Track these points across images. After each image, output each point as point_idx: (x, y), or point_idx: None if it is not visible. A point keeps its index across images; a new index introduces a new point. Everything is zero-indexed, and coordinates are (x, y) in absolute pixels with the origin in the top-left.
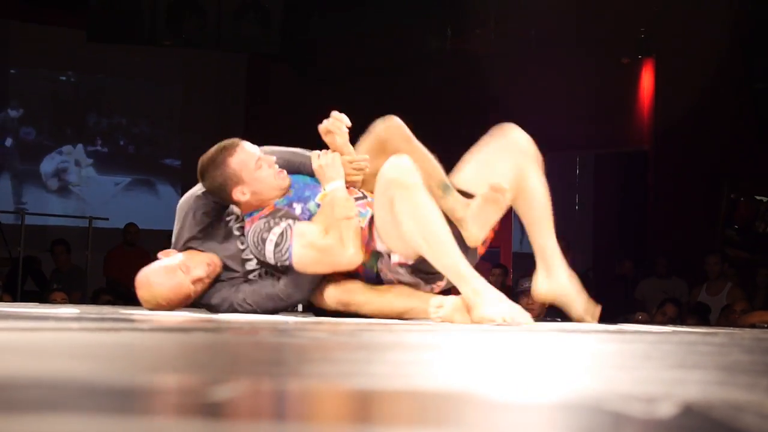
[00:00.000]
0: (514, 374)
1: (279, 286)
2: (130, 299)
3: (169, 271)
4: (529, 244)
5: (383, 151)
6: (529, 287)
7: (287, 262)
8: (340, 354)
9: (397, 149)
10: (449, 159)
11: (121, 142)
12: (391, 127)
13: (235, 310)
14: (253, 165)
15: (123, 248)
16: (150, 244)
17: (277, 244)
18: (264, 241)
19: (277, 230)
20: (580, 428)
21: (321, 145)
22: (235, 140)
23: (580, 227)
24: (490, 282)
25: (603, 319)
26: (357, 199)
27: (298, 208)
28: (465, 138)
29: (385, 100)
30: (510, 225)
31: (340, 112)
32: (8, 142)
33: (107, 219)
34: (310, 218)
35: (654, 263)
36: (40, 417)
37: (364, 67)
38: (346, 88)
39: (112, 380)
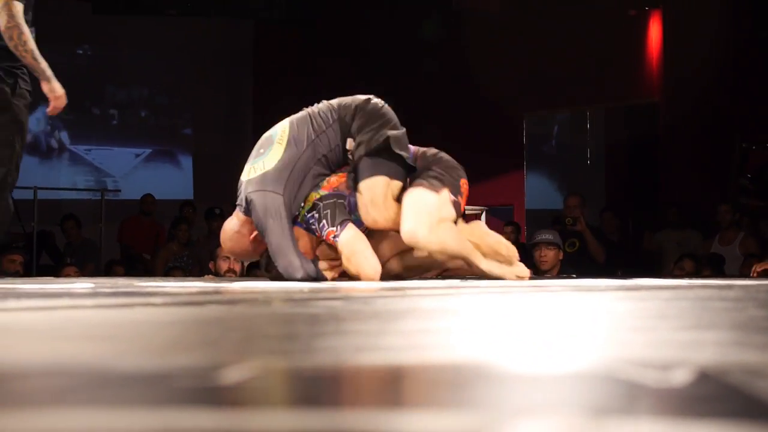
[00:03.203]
0: (528, 341)
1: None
2: (142, 266)
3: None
4: (542, 202)
5: None
6: (545, 239)
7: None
8: (352, 325)
9: None
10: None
11: (142, 113)
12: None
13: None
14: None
15: (139, 218)
16: (167, 213)
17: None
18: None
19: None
20: (594, 400)
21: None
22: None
23: (592, 181)
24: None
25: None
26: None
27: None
28: (473, 96)
29: (391, 62)
30: (522, 184)
31: (344, 75)
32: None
33: (119, 191)
34: None
35: (666, 214)
36: (49, 410)
37: (370, 29)
38: (352, 50)
39: (124, 366)
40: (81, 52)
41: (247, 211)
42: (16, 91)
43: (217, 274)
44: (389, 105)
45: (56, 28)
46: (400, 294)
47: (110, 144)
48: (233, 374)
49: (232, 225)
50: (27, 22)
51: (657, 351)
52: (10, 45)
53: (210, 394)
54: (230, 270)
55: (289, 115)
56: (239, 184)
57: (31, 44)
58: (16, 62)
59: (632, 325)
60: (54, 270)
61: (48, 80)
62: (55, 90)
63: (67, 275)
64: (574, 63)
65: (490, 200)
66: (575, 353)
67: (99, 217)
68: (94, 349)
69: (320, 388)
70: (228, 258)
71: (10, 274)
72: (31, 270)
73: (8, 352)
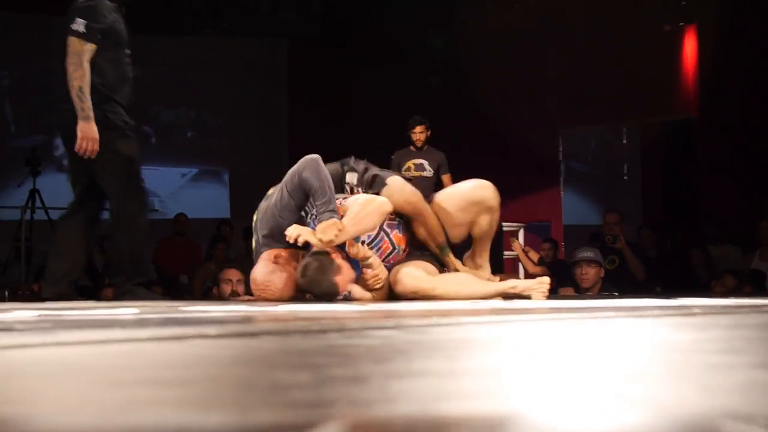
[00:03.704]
0: (598, 385)
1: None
2: (176, 288)
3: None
4: (579, 217)
5: (407, 212)
6: (586, 256)
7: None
8: (420, 363)
9: (418, 214)
10: (492, 132)
11: (189, 133)
12: (414, 199)
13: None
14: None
15: (172, 238)
16: (205, 232)
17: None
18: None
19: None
20: None
21: (360, 122)
22: (338, 285)
23: (628, 197)
24: (542, 256)
25: (663, 290)
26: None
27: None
28: (509, 112)
29: (426, 81)
30: (559, 200)
31: (379, 91)
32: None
33: (157, 210)
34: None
35: (704, 231)
36: None
37: (403, 47)
38: (386, 69)
39: (209, 424)
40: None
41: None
42: (107, 125)
43: (221, 298)
44: (425, 121)
45: None
46: (454, 321)
47: (156, 164)
48: None
49: (264, 269)
50: (114, 61)
51: (748, 398)
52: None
53: None
54: (234, 292)
55: (323, 132)
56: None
57: (78, 82)
58: (106, 99)
59: (704, 361)
60: (92, 291)
61: (82, 120)
62: (82, 130)
63: (106, 296)
64: (610, 79)
65: (527, 217)
66: (656, 402)
67: None
68: (167, 397)
69: None
70: (230, 281)
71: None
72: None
73: (80, 402)
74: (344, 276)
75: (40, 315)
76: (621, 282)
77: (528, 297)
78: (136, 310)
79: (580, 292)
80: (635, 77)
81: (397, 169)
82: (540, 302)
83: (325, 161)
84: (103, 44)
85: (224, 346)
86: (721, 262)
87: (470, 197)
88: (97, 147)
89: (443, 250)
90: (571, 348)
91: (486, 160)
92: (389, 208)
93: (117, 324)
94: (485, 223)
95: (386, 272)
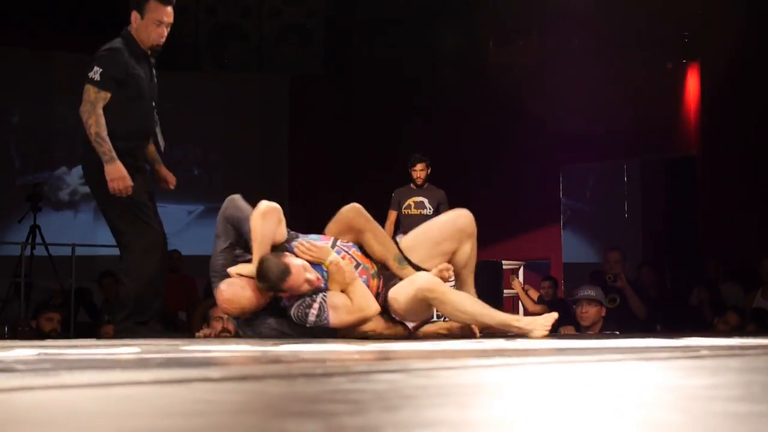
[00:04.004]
0: None
1: (310, 330)
2: (174, 325)
3: (249, 283)
4: (579, 255)
5: (350, 230)
6: (587, 295)
7: (325, 324)
8: (429, 411)
9: (361, 227)
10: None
11: (195, 171)
12: (354, 210)
13: (276, 334)
14: (300, 284)
15: (167, 275)
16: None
17: (317, 315)
18: (306, 315)
19: (315, 306)
20: None
21: (363, 157)
22: (286, 265)
23: (629, 235)
24: (541, 294)
25: (664, 329)
26: (356, 265)
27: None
28: (510, 149)
29: (427, 117)
30: (559, 237)
31: (380, 128)
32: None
33: (175, 250)
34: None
35: (705, 269)
36: None
37: (405, 86)
38: (387, 105)
39: None
40: None
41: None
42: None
43: (212, 335)
44: (426, 159)
45: None
46: (460, 364)
47: (163, 201)
48: None
49: (237, 282)
50: (129, 110)
51: None
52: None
53: None
54: (225, 330)
55: (323, 169)
56: None
57: (94, 129)
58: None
59: (725, 410)
60: (91, 327)
61: (107, 163)
62: (109, 173)
63: (106, 333)
64: (612, 116)
65: (527, 254)
66: None
67: None
68: None
69: None
70: (221, 318)
71: (48, 333)
72: (68, 327)
73: None
74: (299, 267)
75: (39, 354)
76: (622, 321)
77: (527, 334)
78: (137, 349)
79: (581, 331)
80: (637, 115)
81: (398, 207)
82: (543, 341)
83: (324, 197)
84: (119, 93)
85: (228, 390)
86: (723, 300)
87: (453, 225)
88: (129, 183)
89: (401, 262)
90: (581, 395)
91: (486, 197)
92: (271, 206)
93: (118, 365)
94: (468, 249)
95: (349, 265)
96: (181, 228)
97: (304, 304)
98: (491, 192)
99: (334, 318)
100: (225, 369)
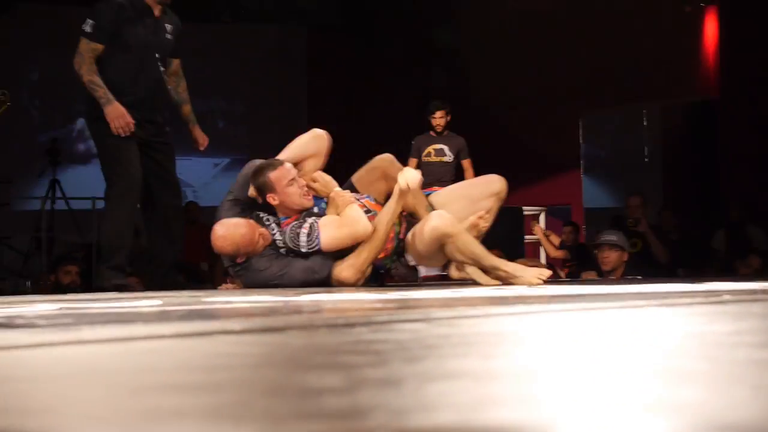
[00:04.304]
0: (636, 388)
1: (311, 262)
2: (196, 276)
3: (245, 222)
4: (600, 201)
5: (383, 178)
6: (609, 240)
7: (317, 247)
8: (453, 361)
9: (395, 176)
10: (513, 116)
11: (220, 124)
12: (388, 159)
13: (268, 281)
14: (286, 182)
15: (186, 227)
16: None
17: (308, 235)
18: (298, 234)
19: (306, 225)
20: None
21: (380, 108)
22: (280, 162)
23: (650, 180)
24: (563, 239)
25: (686, 273)
26: (366, 212)
27: (316, 209)
28: (530, 96)
29: (445, 65)
30: (580, 183)
31: (399, 77)
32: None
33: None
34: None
35: (727, 212)
36: None
37: (423, 34)
38: (404, 55)
39: None
40: None
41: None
42: (93, 116)
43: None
44: (446, 106)
45: None
46: (482, 313)
47: (189, 155)
48: None
49: (231, 221)
50: (121, 61)
51: None
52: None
53: None
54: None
55: (342, 119)
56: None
57: (86, 77)
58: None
59: (750, 357)
60: None
61: (105, 106)
62: (108, 114)
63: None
64: (630, 62)
65: (548, 200)
66: (707, 408)
67: None
68: (194, 406)
69: None
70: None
71: (66, 285)
72: (90, 280)
73: (106, 412)
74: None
75: (61, 309)
76: (644, 265)
77: (514, 280)
78: (159, 302)
79: (602, 276)
80: (656, 60)
81: (417, 155)
82: (566, 287)
83: (343, 148)
84: (111, 45)
85: (250, 343)
86: (746, 244)
87: (489, 188)
88: (129, 120)
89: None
90: (604, 343)
91: (506, 144)
92: (322, 133)
93: (139, 318)
94: (495, 211)
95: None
96: (208, 180)
97: (296, 225)
98: (511, 139)
99: (325, 236)
100: (246, 321)
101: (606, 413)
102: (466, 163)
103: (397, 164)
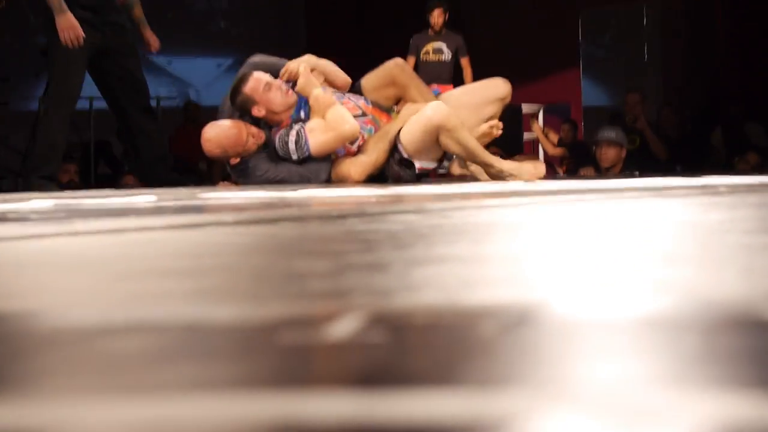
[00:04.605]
0: (625, 270)
1: (306, 169)
2: (195, 174)
3: (234, 123)
4: (599, 99)
5: (393, 84)
6: (607, 136)
7: (306, 153)
8: (443, 248)
9: (405, 83)
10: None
11: (222, 24)
12: (399, 66)
13: (266, 182)
14: (262, 89)
15: (185, 126)
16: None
17: (296, 142)
18: (287, 142)
19: (293, 132)
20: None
21: (378, 43)
22: (247, 72)
23: (649, 78)
24: (561, 137)
25: (684, 170)
26: (357, 116)
27: (302, 113)
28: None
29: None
30: (578, 81)
31: (395, 20)
32: None
33: (175, 98)
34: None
35: (726, 110)
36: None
37: None
38: None
39: (219, 317)
40: None
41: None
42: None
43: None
44: (443, 4)
45: None
46: (476, 204)
47: (191, 54)
48: (343, 326)
49: (222, 122)
50: None
51: None
52: None
53: (331, 356)
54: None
55: (343, 20)
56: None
57: None
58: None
59: (740, 242)
60: (112, 179)
61: (57, 14)
62: (59, 23)
63: (127, 183)
64: None
65: (546, 98)
66: (694, 286)
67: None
68: (178, 289)
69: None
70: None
71: (64, 184)
72: (89, 179)
73: (89, 296)
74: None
75: (56, 204)
76: (642, 162)
77: (508, 178)
78: (153, 198)
79: (601, 173)
80: None
81: (415, 53)
82: (563, 182)
83: (342, 45)
84: None
85: (241, 233)
86: (745, 140)
87: (496, 93)
88: (79, 33)
89: None
90: (598, 231)
91: (504, 42)
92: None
93: (132, 212)
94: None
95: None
96: (211, 81)
97: (284, 134)
98: (510, 36)
99: (313, 141)
100: (239, 213)
101: (595, 291)
102: (465, 62)
103: (408, 70)
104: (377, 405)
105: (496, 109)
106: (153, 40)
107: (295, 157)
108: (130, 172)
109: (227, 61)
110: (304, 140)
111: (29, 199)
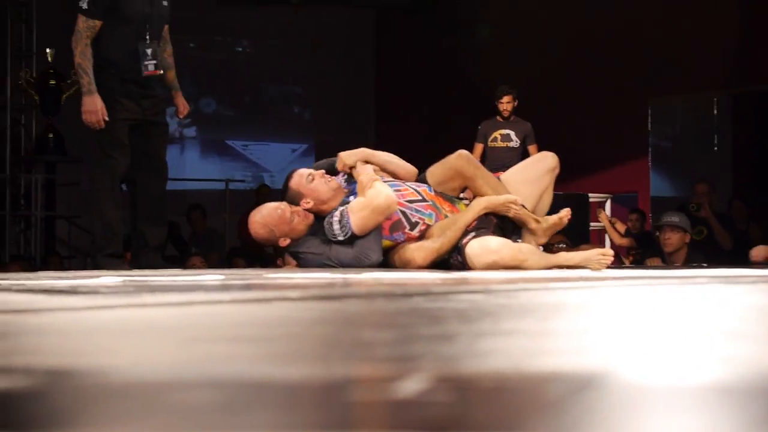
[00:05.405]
0: (686, 344)
1: (357, 249)
2: (263, 260)
3: (277, 203)
4: (667, 189)
5: (458, 176)
6: (670, 221)
7: (349, 231)
8: (509, 323)
9: (471, 175)
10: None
11: (296, 109)
12: (463, 158)
13: (323, 265)
14: (305, 181)
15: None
16: None
17: (339, 221)
18: (332, 223)
19: (337, 213)
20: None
21: (449, 91)
22: (293, 171)
23: (718, 169)
24: (629, 227)
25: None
26: (415, 201)
27: (351, 197)
28: (598, 82)
29: (513, 48)
30: (647, 171)
31: (466, 61)
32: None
33: (243, 181)
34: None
35: None
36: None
37: (491, 18)
38: (473, 39)
39: (287, 374)
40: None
41: None
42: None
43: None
44: (512, 91)
45: (181, 21)
46: (542, 286)
47: (267, 140)
48: (410, 386)
49: (269, 205)
50: (119, 36)
51: None
52: None
53: (396, 410)
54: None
55: (410, 102)
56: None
57: (77, 59)
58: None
59: None
60: (179, 260)
61: (84, 95)
62: (84, 104)
63: (193, 265)
64: (701, 48)
65: (614, 187)
66: (751, 360)
67: (223, 206)
68: (247, 353)
69: (494, 400)
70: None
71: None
72: (163, 257)
73: (158, 356)
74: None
75: (124, 281)
76: (709, 253)
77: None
78: (221, 276)
79: (666, 260)
80: (727, 46)
81: (484, 140)
82: (628, 270)
83: (411, 132)
84: (111, 19)
85: (307, 308)
86: None
87: (545, 166)
88: (100, 117)
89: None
90: (661, 310)
91: (573, 130)
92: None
93: (201, 288)
94: (551, 189)
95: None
96: (286, 165)
97: (329, 216)
98: (578, 125)
99: (353, 218)
100: (305, 290)
101: (661, 361)
102: (533, 149)
103: (474, 162)
104: None
105: (547, 181)
106: (183, 106)
107: (341, 237)
108: (197, 254)
109: (302, 147)
110: (346, 219)
111: (98, 276)
